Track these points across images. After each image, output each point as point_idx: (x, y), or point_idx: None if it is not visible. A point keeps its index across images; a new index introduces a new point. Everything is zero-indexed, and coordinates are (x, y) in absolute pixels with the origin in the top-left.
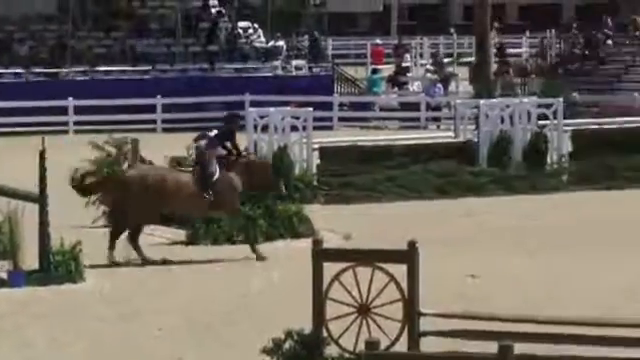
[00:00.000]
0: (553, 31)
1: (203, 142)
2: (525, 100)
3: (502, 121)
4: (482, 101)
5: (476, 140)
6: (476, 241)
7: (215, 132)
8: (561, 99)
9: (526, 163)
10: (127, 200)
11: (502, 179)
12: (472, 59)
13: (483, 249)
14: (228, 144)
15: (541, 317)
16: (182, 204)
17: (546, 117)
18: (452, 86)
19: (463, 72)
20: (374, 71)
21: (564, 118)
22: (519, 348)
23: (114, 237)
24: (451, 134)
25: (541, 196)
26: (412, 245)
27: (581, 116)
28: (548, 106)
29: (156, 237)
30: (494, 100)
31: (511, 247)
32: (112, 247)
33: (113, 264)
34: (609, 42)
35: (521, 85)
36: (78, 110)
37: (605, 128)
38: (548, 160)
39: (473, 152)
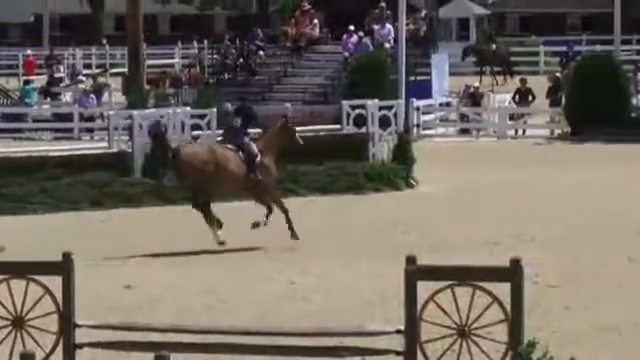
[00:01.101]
0: (206, 42)
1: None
2: (179, 110)
3: None
4: (135, 112)
5: (130, 151)
6: (135, 251)
7: (238, 121)
8: (214, 109)
9: None
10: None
11: (156, 190)
12: (125, 70)
13: (140, 260)
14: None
15: (197, 327)
16: (236, 183)
17: (200, 127)
18: (105, 96)
19: (116, 83)
20: (26, 82)
21: (217, 128)
22: (175, 358)
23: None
24: (105, 145)
25: None
26: (67, 256)
27: None
28: (202, 116)
29: None
30: (148, 111)
31: (167, 258)
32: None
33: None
34: (261, 53)
35: (175, 95)
36: None
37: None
38: None
39: (128, 163)
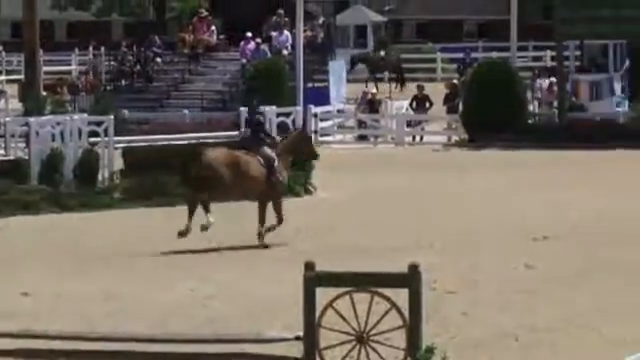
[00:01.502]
0: (102, 48)
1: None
2: (76, 117)
3: (53, 138)
4: (32, 119)
5: (27, 158)
6: (33, 259)
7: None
8: (111, 116)
9: (78, 180)
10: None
11: (54, 197)
12: (21, 76)
13: (38, 267)
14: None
15: (97, 334)
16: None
17: (97, 134)
18: (1, 103)
19: (13, 89)
20: None
21: (115, 135)
22: None
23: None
24: (2, 152)
25: (93, 213)
26: None
27: (132, 133)
28: (99, 123)
29: None
30: (44, 117)
31: (66, 265)
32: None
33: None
34: (158, 60)
35: (72, 102)
36: None
37: (156, 145)
38: (100, 177)
39: (24, 170)
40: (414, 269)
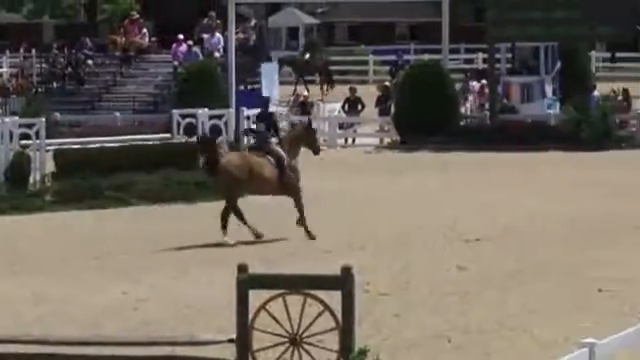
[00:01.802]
0: (34, 50)
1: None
2: (7, 120)
3: None
4: None
5: None
6: None
7: (259, 125)
8: (43, 119)
9: (9, 183)
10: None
11: None
12: None
13: None
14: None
15: (29, 337)
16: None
17: (28, 137)
18: None
19: None
20: None
21: (46, 138)
22: None
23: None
24: None
25: (24, 216)
26: None
27: (63, 136)
28: (30, 126)
29: None
30: None
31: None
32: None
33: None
34: (90, 62)
35: (2, 105)
36: None
37: (88, 147)
38: (31, 180)
39: None
40: (347, 271)
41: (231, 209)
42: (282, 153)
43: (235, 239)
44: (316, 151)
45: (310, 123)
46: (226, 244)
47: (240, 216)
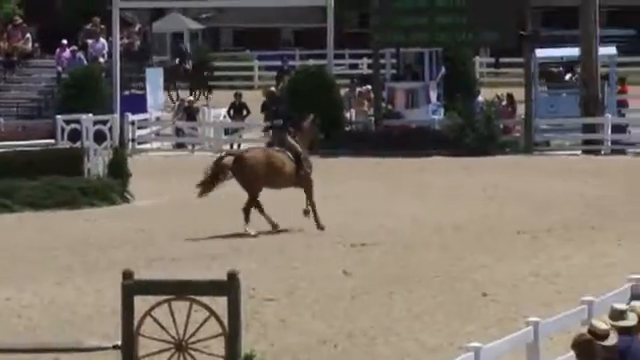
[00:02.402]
0: None
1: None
2: None
3: None
4: None
5: None
6: None
7: (279, 122)
8: None
9: None
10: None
11: None
12: None
13: None
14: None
15: None
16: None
17: None
18: None
19: None
20: None
21: None
22: None
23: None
24: None
25: None
26: None
27: None
28: None
29: None
30: None
31: None
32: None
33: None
34: None
35: None
36: None
37: None
38: None
39: None
40: (233, 277)
41: (253, 202)
42: (299, 148)
43: (256, 229)
44: (316, 145)
45: (315, 119)
46: (248, 235)
47: (260, 208)
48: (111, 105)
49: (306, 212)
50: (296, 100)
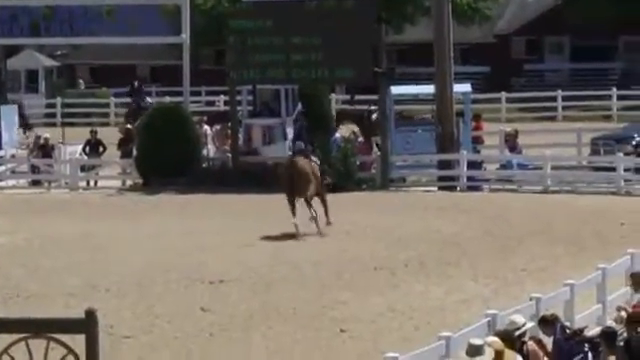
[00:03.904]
0: None
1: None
2: None
3: None
4: None
5: None
6: None
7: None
8: None
9: None
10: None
11: None
12: None
13: None
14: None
15: None
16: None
17: None
18: None
19: None
20: None
21: None
22: None
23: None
24: None
25: None
26: None
27: None
28: None
29: None
30: None
31: None
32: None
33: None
34: None
35: None
36: None
37: None
38: None
39: None
40: (91, 315)
41: (294, 202)
42: (317, 159)
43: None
44: None
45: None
46: (297, 228)
47: (294, 209)
48: None
49: (313, 218)
50: (152, 136)
